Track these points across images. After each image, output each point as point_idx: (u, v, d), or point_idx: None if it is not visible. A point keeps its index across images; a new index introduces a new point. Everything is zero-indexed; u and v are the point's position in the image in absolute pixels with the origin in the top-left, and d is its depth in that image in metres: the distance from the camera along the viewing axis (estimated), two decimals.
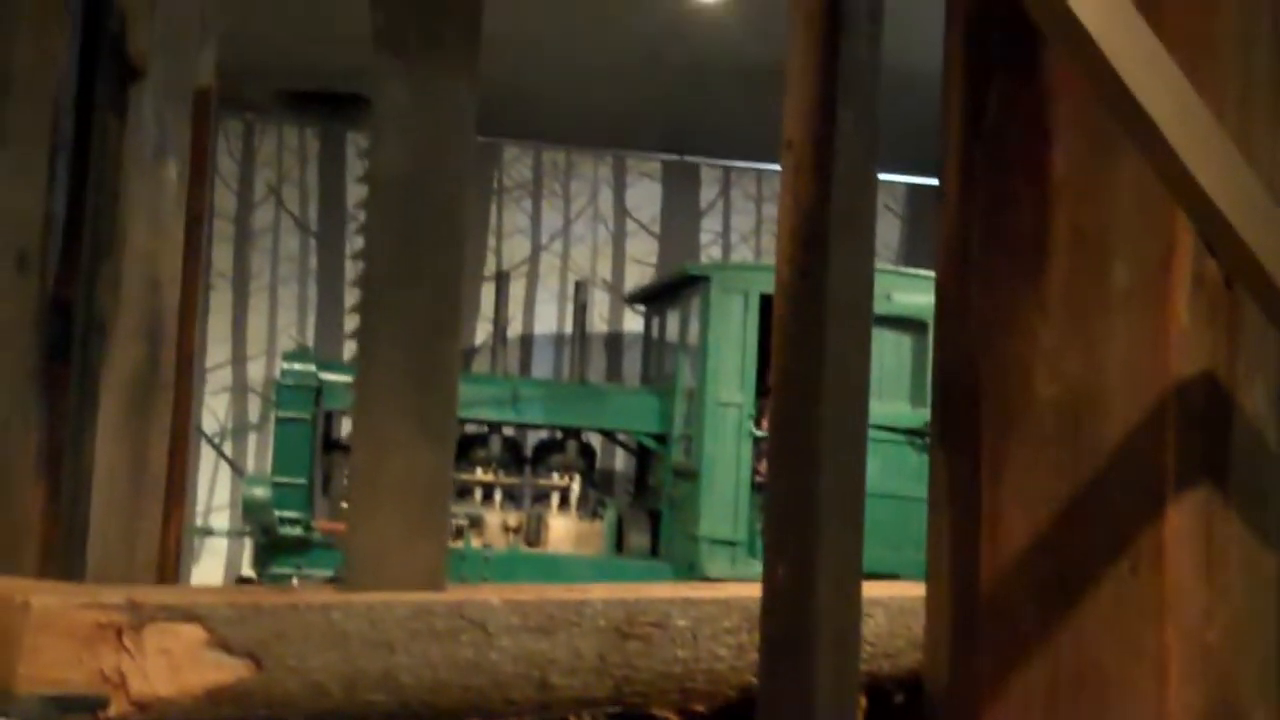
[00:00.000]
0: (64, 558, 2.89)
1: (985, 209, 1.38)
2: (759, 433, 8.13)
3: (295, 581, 7.96)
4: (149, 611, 1.86)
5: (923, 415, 7.73)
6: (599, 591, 2.34)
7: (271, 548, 7.68)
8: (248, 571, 8.66)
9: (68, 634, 1.82)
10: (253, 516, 7.54)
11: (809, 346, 1.51)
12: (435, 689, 2.08)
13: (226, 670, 1.91)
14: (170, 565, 2.95)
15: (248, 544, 9.08)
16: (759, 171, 10.99)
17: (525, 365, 10.58)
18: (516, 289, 10.41)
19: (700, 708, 2.46)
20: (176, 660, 1.88)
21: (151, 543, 2.75)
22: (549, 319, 10.74)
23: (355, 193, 10.31)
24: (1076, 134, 1.35)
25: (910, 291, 7.40)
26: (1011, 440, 1.36)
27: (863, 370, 1.59)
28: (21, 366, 2.97)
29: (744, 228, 11.05)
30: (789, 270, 1.57)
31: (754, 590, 2.55)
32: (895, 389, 7.73)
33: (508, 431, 8.61)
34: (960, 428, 1.42)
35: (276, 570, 7.73)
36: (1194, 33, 1.32)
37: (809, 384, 1.49)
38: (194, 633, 1.89)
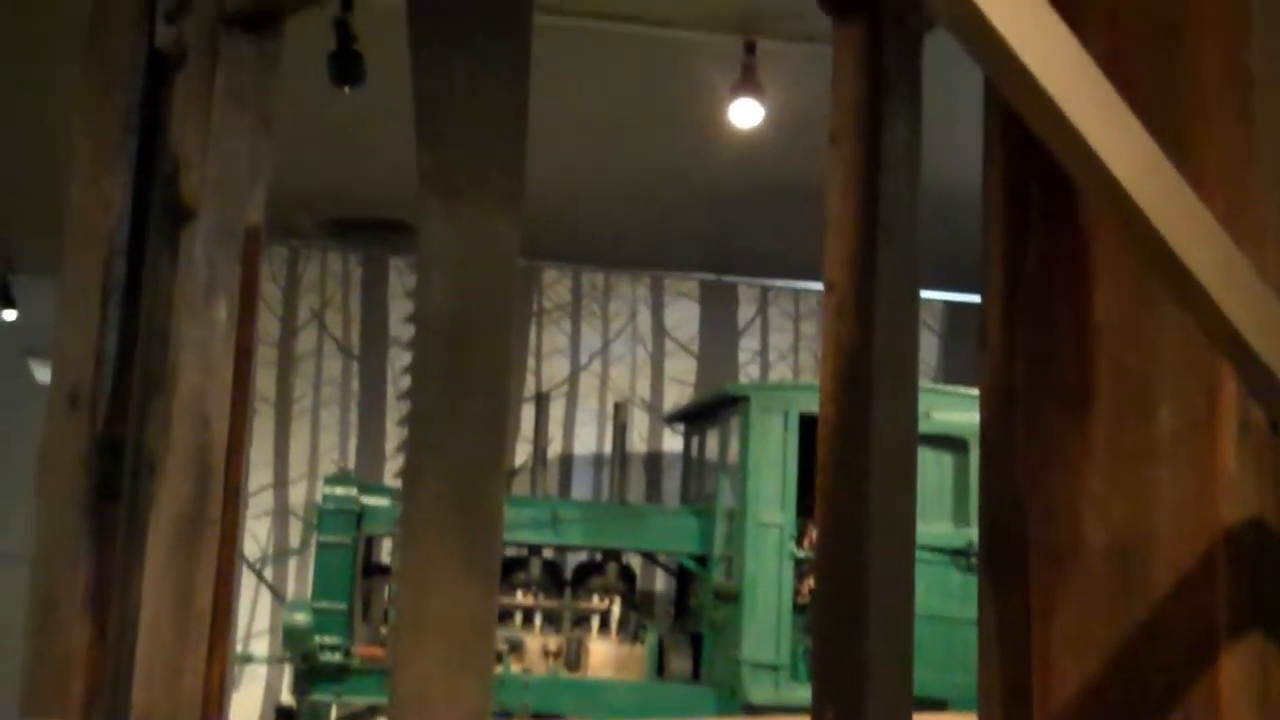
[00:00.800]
0: (110, 693, 2.90)
1: (1028, 353, 1.40)
2: (801, 553, 8.08)
3: (335, 711, 7.91)
4: None
5: (966, 535, 7.67)
6: None
7: (311, 674, 7.64)
8: (287, 698, 8.61)
9: None
10: (293, 643, 7.51)
11: (854, 490, 1.52)
12: None
13: None
14: (214, 699, 2.94)
15: (287, 670, 9.04)
16: (796, 290, 11.06)
17: (565, 486, 10.58)
18: (556, 409, 10.45)
19: None
20: None
21: (196, 678, 2.75)
22: (588, 439, 10.76)
23: (397, 317, 10.43)
24: (1116, 278, 1.36)
25: (950, 409, 7.38)
26: (1061, 584, 1.35)
27: (909, 513, 1.59)
28: (71, 503, 3.00)
29: (782, 346, 11.09)
30: (833, 412, 1.58)
31: None
32: (937, 508, 7.67)
33: (547, 554, 8.58)
34: (1009, 569, 1.42)
35: (316, 697, 7.68)
36: (1231, 181, 1.34)
37: (854, 529, 1.50)
38: None
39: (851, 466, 1.51)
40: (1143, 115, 1.18)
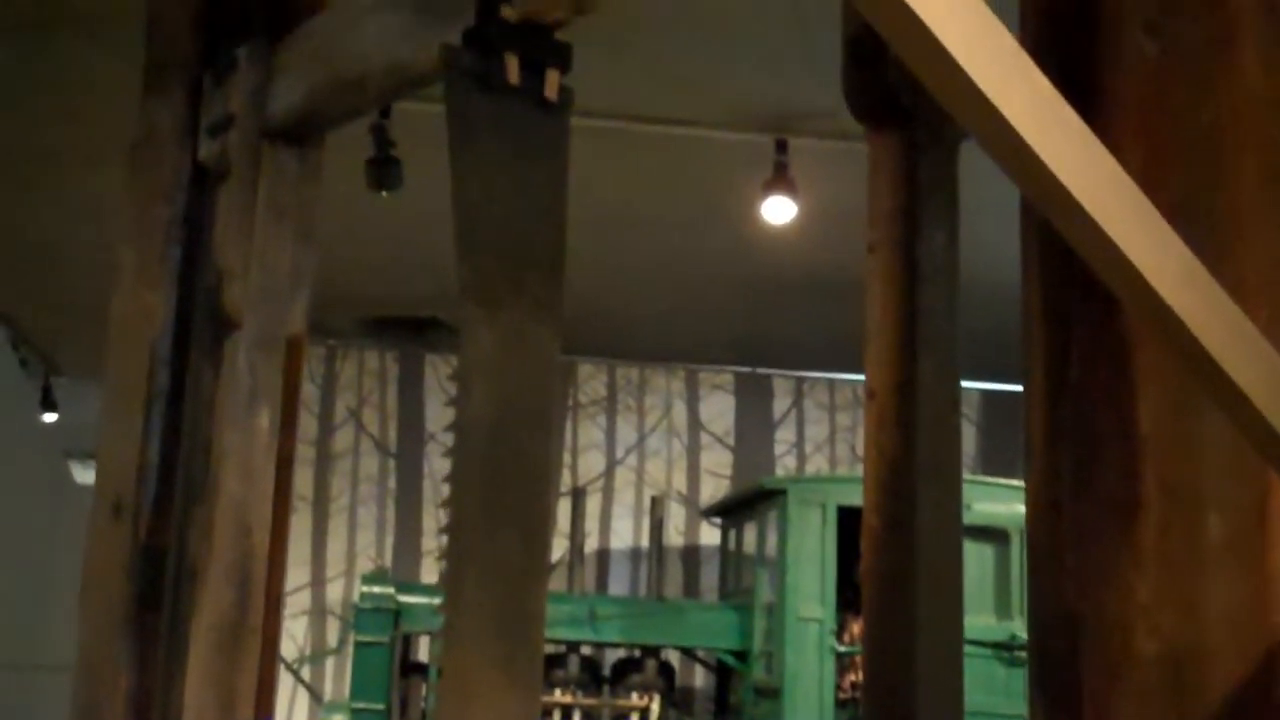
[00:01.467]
0: None
1: (1074, 462, 1.39)
2: (841, 648, 7.99)
3: None
4: None
5: (1009, 628, 7.58)
6: None
7: None
8: None
9: None
10: None
11: (900, 602, 1.51)
12: None
13: None
14: None
15: None
16: (831, 381, 11.05)
17: (601, 581, 10.53)
18: (592, 504, 10.43)
19: None
20: None
21: None
22: (625, 533, 10.72)
23: (434, 414, 10.48)
24: (1161, 386, 1.36)
25: (990, 500, 7.33)
26: (1114, 696, 1.34)
27: (956, 619, 1.58)
28: (113, 612, 3.01)
29: (818, 437, 11.06)
30: (877, 521, 1.58)
31: None
32: (979, 602, 7.59)
33: (585, 651, 8.51)
34: (1060, 681, 1.40)
35: None
36: (1273, 287, 1.34)
37: (902, 643, 1.48)
38: None
39: (897, 575, 1.50)
40: (1180, 225, 1.18)
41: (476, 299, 2.33)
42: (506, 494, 2.25)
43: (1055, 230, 1.23)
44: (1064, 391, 1.38)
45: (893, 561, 1.52)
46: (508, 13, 2.33)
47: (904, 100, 1.63)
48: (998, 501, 7.31)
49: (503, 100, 2.32)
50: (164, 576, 2.96)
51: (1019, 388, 1.52)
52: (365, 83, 2.63)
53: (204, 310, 2.96)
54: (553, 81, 2.37)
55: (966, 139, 1.74)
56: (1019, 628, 7.64)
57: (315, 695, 9.20)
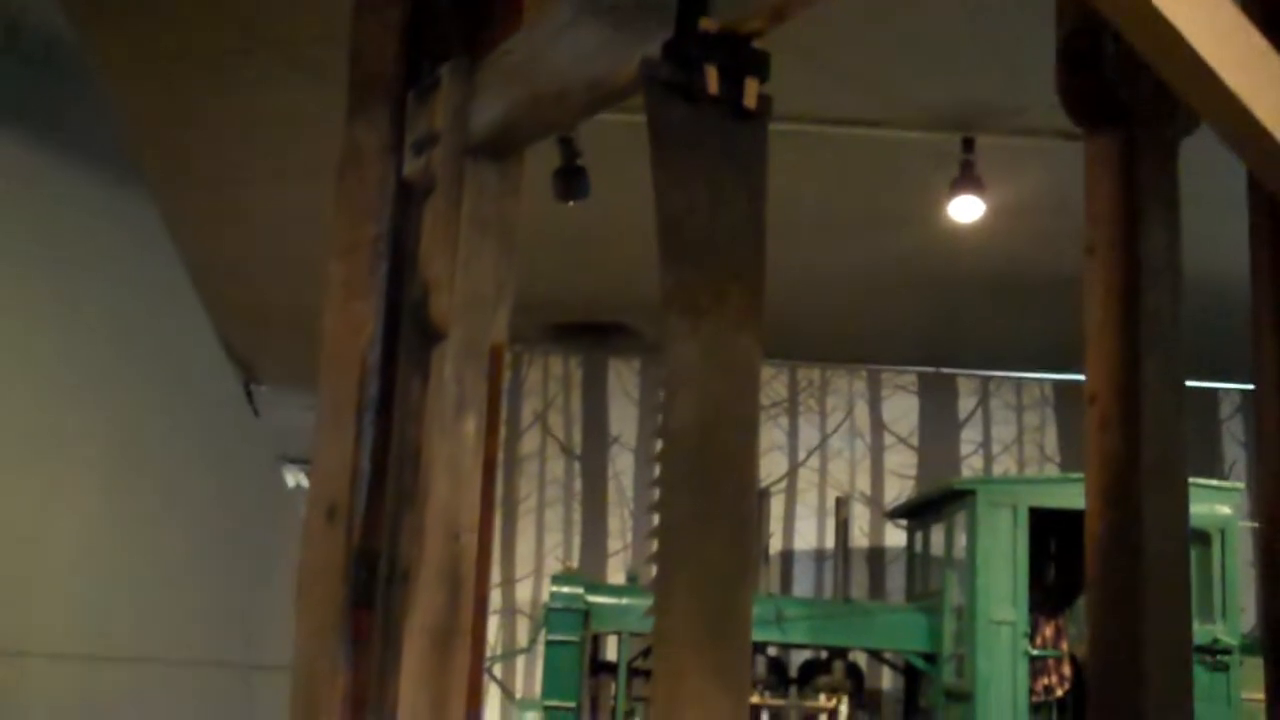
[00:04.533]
0: None
1: None
2: (1034, 651, 7.84)
3: None
4: None
5: (1209, 631, 7.34)
6: None
7: None
8: None
9: None
10: None
11: (1127, 607, 1.49)
12: None
13: None
14: None
15: None
16: (1018, 381, 10.84)
17: (785, 583, 10.51)
18: (776, 506, 10.43)
19: None
20: None
21: None
22: (808, 535, 10.69)
23: (617, 418, 10.60)
24: None
25: (1192, 502, 7.09)
26: None
27: (1184, 626, 1.55)
28: (329, 612, 3.13)
29: (1005, 438, 10.86)
30: (1101, 527, 1.56)
31: None
32: None
33: (772, 651, 8.51)
34: None
35: None
36: None
37: (1129, 650, 1.47)
38: None
39: (1123, 582, 1.48)
40: None
41: (680, 309, 2.36)
42: (714, 498, 2.27)
43: None
44: None
45: (1118, 568, 1.50)
46: (706, 24, 2.35)
47: (1122, 99, 1.61)
48: (1199, 503, 7.07)
49: (703, 111, 2.35)
50: (376, 579, 3.07)
51: None
52: (565, 98, 2.69)
53: (411, 321, 3.06)
54: (751, 90, 2.39)
55: (1187, 136, 1.71)
56: (1221, 631, 7.40)
57: (507, 692, 9.38)
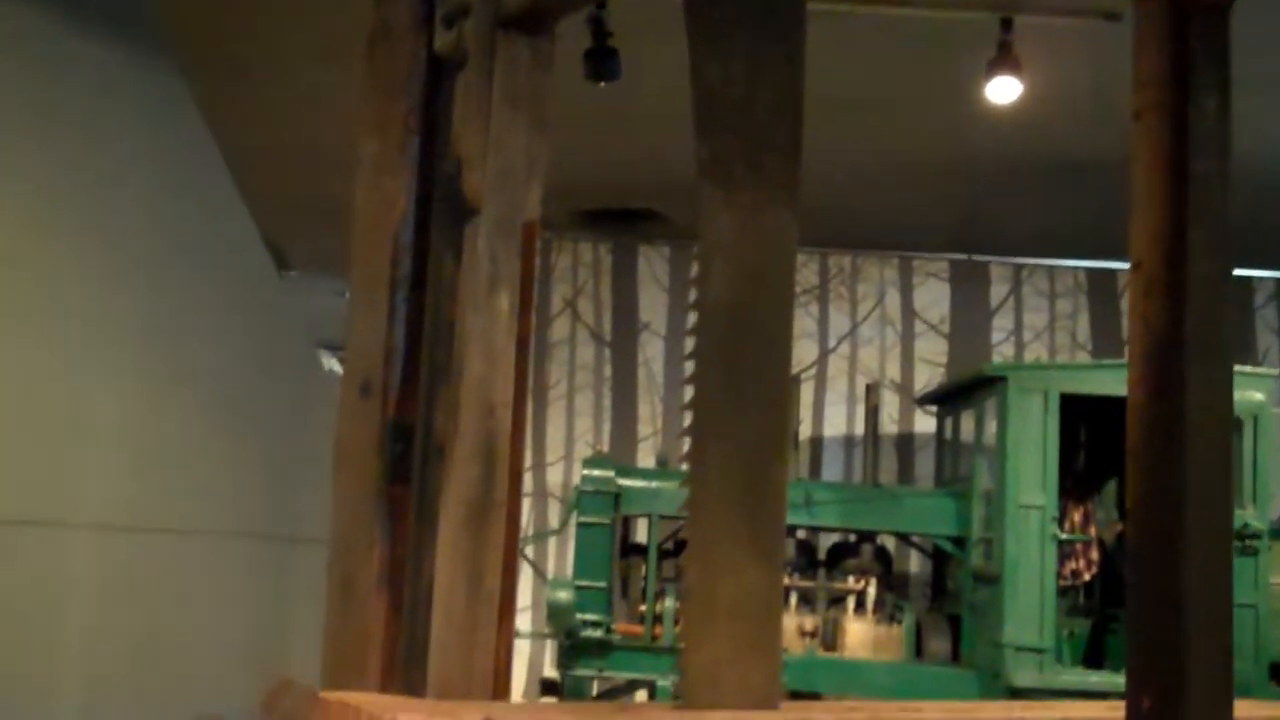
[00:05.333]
0: (406, 667, 3.04)
1: None
2: (1063, 535, 7.89)
3: (596, 685, 8.10)
4: None
5: (1240, 516, 7.35)
6: (932, 711, 2.32)
7: (574, 650, 7.83)
8: (550, 673, 8.86)
9: None
10: (557, 620, 7.72)
11: (1168, 476, 1.49)
12: None
13: None
14: (502, 675, 3.06)
15: (548, 645, 9.30)
16: (1051, 268, 10.77)
17: (815, 469, 10.57)
18: (805, 393, 10.45)
19: None
20: None
21: (488, 654, 2.87)
22: (838, 421, 10.72)
23: (646, 304, 10.60)
24: None
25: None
26: None
27: (1226, 496, 1.55)
28: (365, 487, 3.17)
29: (1037, 325, 10.81)
30: (1142, 394, 1.55)
31: (1089, 710, 2.49)
32: None
33: (801, 535, 8.58)
34: None
35: (579, 672, 7.88)
36: None
37: (1169, 514, 1.47)
38: None
39: (1165, 451, 1.48)
40: None
41: (714, 180, 2.35)
42: (747, 371, 2.28)
43: None
44: None
45: (1159, 435, 1.49)
46: None
47: None
48: (1237, 389, 7.05)
49: None
50: (412, 454, 3.10)
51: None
52: None
53: (444, 197, 3.05)
54: None
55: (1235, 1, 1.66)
56: (1251, 516, 7.42)
57: (539, 572, 9.50)
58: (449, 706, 2.15)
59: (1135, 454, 1.53)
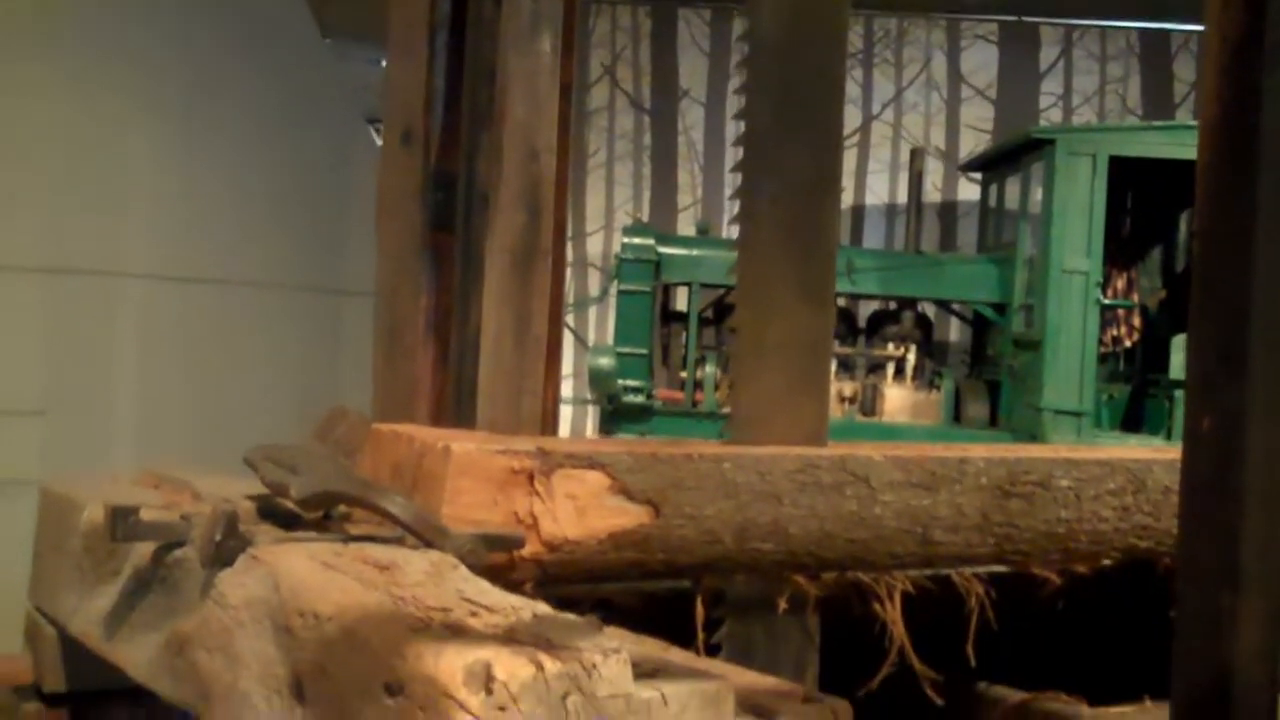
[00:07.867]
0: (453, 415, 3.07)
1: None
2: (1106, 301, 7.85)
3: None
4: (557, 459, 1.97)
5: None
6: (979, 450, 2.33)
7: (615, 415, 7.94)
8: (593, 436, 9.01)
9: (485, 478, 1.94)
10: (598, 385, 7.80)
11: (1241, 190, 1.44)
12: (821, 540, 2.13)
13: (628, 515, 2.00)
14: (549, 424, 3.09)
15: (590, 411, 9.44)
16: (1102, 29, 10.44)
17: (856, 235, 10.50)
18: (848, 160, 10.30)
19: (1082, 569, 2.43)
20: (582, 505, 1.98)
21: (535, 401, 2.88)
22: (880, 189, 10.60)
23: (686, 70, 10.38)
24: None
25: None
26: None
27: None
28: (409, 236, 3.15)
29: (1087, 89, 10.56)
30: (1217, 109, 1.49)
31: (1137, 453, 2.49)
32: None
33: (841, 302, 8.58)
34: None
35: (621, 436, 8.00)
36: None
37: (1240, 230, 1.42)
38: (598, 479, 1.98)
39: (1239, 164, 1.43)
40: None
41: None
42: (800, 106, 2.22)
43: None
44: None
45: (1233, 152, 1.44)
46: None
47: None
48: None
49: None
50: (455, 201, 3.06)
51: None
52: None
53: None
54: None
55: None
56: None
57: (580, 340, 9.58)
58: (502, 437, 2.16)
59: (1206, 168, 1.47)
